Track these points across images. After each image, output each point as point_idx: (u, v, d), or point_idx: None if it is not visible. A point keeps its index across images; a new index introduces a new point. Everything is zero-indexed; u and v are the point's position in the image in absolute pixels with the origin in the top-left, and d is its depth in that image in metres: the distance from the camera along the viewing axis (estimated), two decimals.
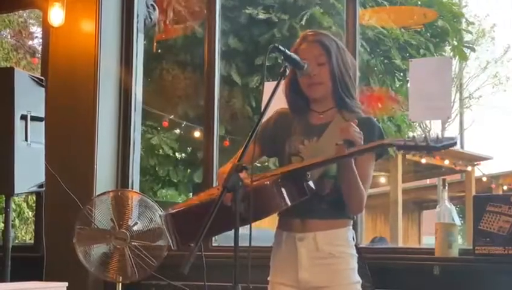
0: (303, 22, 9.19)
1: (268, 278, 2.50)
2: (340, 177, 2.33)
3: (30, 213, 8.99)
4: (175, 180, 10.78)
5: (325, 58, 2.42)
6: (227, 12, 9.01)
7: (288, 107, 2.53)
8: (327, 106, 2.47)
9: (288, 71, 2.29)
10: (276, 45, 2.23)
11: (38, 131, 3.62)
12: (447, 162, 10.83)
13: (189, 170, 10.94)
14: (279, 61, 2.29)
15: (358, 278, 2.40)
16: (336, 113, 2.45)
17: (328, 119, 2.46)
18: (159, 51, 10.15)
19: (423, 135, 2.04)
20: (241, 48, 9.55)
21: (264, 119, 2.49)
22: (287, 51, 2.27)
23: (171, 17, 9.32)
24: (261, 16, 9.46)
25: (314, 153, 2.35)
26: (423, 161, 10.44)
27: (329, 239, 2.36)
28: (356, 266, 2.41)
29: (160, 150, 10.26)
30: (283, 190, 2.21)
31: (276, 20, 9.42)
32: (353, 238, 2.44)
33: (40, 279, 3.76)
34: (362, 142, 2.17)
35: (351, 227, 2.44)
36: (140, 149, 4.98)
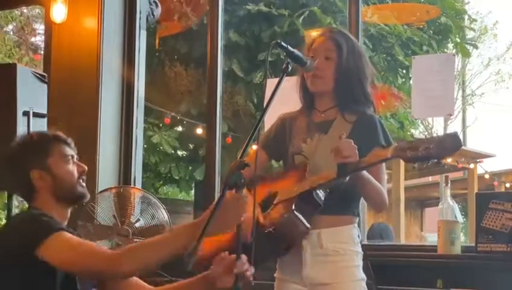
0: (301, 20, 9.18)
1: (275, 275, 2.50)
2: (359, 189, 2.34)
3: None
4: (176, 177, 10.78)
5: (333, 54, 2.41)
6: (227, 6, 9.00)
7: (302, 104, 2.54)
8: (328, 105, 2.47)
9: (290, 67, 2.26)
10: (279, 41, 2.23)
11: (40, 127, 3.62)
12: (449, 159, 10.81)
13: (190, 167, 10.94)
14: (282, 57, 2.29)
15: (362, 275, 2.41)
16: (337, 114, 2.44)
17: (328, 117, 2.45)
18: (160, 47, 10.14)
19: (423, 140, 2.02)
20: (243, 43, 9.54)
21: (267, 118, 2.49)
22: (289, 47, 2.25)
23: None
24: (262, 11, 9.45)
25: (317, 152, 2.36)
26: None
27: (334, 236, 2.36)
28: (361, 263, 2.41)
29: (161, 147, 10.26)
30: (301, 213, 2.26)
31: (277, 14, 9.41)
32: (358, 236, 2.44)
33: None
34: (357, 157, 2.16)
35: (356, 224, 2.44)
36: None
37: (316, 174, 2.30)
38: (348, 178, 2.22)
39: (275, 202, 2.33)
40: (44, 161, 2.19)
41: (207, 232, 1.90)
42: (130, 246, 2.07)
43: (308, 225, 2.28)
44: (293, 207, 2.25)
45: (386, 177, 2.42)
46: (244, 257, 1.93)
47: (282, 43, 2.22)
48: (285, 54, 2.25)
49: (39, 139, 2.24)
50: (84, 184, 2.27)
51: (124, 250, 2.06)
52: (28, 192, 2.21)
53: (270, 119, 2.67)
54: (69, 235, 2.08)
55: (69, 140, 2.27)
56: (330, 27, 2.60)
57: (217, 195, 4.13)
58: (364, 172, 2.27)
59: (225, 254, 2.03)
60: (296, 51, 2.29)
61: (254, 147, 2.32)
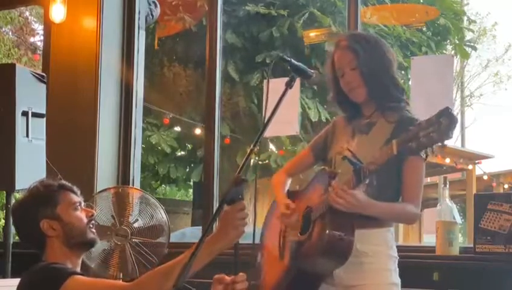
0: (301, 22, 9.18)
1: None
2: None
3: None
4: (173, 177, 10.78)
5: (355, 63, 2.41)
6: (225, 7, 8.98)
7: (345, 115, 2.56)
8: (372, 109, 2.48)
9: (294, 82, 2.20)
10: (281, 54, 2.21)
11: (39, 127, 3.62)
12: (448, 160, 10.81)
13: (188, 167, 10.94)
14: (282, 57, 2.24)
15: (394, 280, 2.37)
16: (380, 117, 2.44)
17: (372, 120, 2.46)
18: (159, 47, 10.15)
19: (420, 126, 2.01)
20: (240, 45, 9.53)
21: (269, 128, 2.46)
22: (293, 60, 2.21)
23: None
24: (261, 12, 9.44)
25: (356, 153, 2.34)
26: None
27: (366, 238, 2.32)
28: (394, 267, 2.38)
29: (159, 147, 10.26)
30: (339, 223, 2.24)
31: (276, 15, 9.40)
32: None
33: None
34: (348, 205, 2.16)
35: (391, 228, 2.42)
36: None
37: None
38: (367, 181, 2.19)
39: (313, 219, 2.32)
40: (53, 211, 2.23)
41: (210, 250, 1.90)
42: (144, 276, 2.08)
43: (352, 235, 2.25)
44: (328, 223, 2.23)
45: (422, 180, 2.40)
46: (242, 275, 1.93)
47: (285, 57, 2.20)
48: (289, 67, 2.21)
49: (46, 190, 2.28)
50: (94, 230, 2.30)
51: (138, 280, 2.08)
52: (39, 242, 2.24)
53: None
54: (82, 277, 2.12)
55: (75, 188, 2.32)
56: (341, 36, 2.58)
57: (215, 196, 4.13)
58: (380, 207, 2.27)
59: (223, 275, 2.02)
60: (300, 65, 2.24)
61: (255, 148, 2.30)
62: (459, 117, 17.97)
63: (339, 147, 2.47)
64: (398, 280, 2.39)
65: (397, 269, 2.40)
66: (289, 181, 2.66)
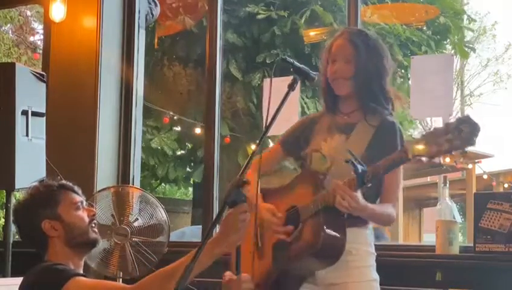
0: (303, 20, 9.18)
1: None
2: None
3: None
4: (173, 177, 10.78)
5: (352, 58, 2.41)
6: (225, 6, 8.96)
7: (324, 106, 2.55)
8: (352, 107, 2.47)
9: (296, 84, 2.19)
10: (284, 57, 2.20)
11: (39, 126, 3.62)
12: (447, 159, 10.80)
13: (188, 166, 10.93)
14: (282, 56, 2.24)
15: (375, 276, 2.41)
16: (361, 117, 2.44)
17: (352, 120, 2.46)
18: (158, 46, 10.14)
19: (438, 132, 2.00)
20: (241, 44, 9.52)
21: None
22: (295, 62, 2.21)
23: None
24: (262, 13, 9.44)
25: (340, 155, 2.35)
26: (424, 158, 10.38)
27: (351, 237, 2.33)
28: (374, 264, 2.41)
29: (159, 148, 10.26)
30: (332, 223, 2.24)
31: (276, 17, 9.40)
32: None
33: None
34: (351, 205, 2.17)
35: (370, 226, 2.44)
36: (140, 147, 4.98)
37: (337, 177, 2.27)
38: (369, 184, 2.20)
39: (301, 220, 2.31)
40: (54, 211, 2.22)
41: (211, 254, 1.90)
42: (146, 278, 2.07)
43: (344, 235, 2.27)
44: (323, 223, 2.23)
45: (401, 186, 2.42)
46: (246, 276, 1.93)
47: (288, 59, 2.19)
48: (291, 69, 2.20)
49: (46, 190, 2.27)
50: (96, 229, 2.29)
51: (140, 282, 2.07)
52: (41, 243, 2.23)
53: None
54: (84, 279, 2.11)
55: (76, 187, 2.31)
56: (348, 28, 2.58)
57: (215, 195, 4.13)
58: (372, 209, 2.28)
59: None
60: (303, 67, 2.23)
61: (253, 146, 2.31)
62: (459, 116, 17.91)
63: (315, 144, 2.46)
64: (377, 276, 2.42)
65: (375, 264, 2.42)
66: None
